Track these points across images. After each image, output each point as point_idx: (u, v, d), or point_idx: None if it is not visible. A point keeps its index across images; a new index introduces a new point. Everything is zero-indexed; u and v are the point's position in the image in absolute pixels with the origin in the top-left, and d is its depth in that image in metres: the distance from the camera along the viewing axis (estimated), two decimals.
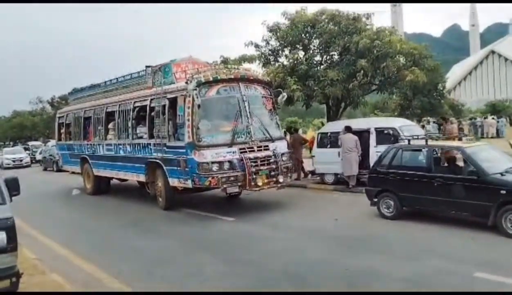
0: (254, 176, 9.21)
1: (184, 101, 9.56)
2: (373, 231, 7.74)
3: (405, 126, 11.48)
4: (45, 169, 25.79)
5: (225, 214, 9.58)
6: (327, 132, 12.67)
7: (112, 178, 13.67)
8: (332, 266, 5.96)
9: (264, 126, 10.03)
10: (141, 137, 11.43)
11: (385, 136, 11.35)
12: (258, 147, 9.60)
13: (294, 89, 12.17)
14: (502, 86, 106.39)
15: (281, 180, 9.62)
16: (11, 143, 53.32)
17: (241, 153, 9.29)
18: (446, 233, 7.28)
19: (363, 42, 11.83)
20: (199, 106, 9.30)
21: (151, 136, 10.85)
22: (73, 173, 16.09)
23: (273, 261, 6.36)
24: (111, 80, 13.71)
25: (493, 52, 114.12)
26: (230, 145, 9.32)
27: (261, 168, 9.41)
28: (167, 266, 6.40)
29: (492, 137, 27.65)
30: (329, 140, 12.43)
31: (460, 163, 8.34)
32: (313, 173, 13.17)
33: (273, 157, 9.66)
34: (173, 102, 10.06)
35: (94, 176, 13.67)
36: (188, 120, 9.37)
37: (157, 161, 10.40)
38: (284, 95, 10.74)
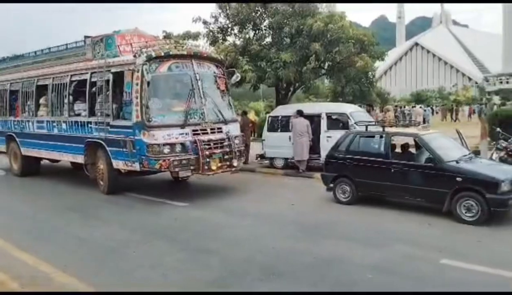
0: (207, 160, 8.76)
1: (132, 76, 8.80)
2: (331, 216, 7.70)
3: (356, 112, 11.63)
4: None
5: (175, 199, 9.07)
6: (278, 116, 12.49)
7: (42, 158, 12.47)
8: (298, 254, 5.76)
9: (218, 107, 9.57)
10: (79, 115, 10.44)
11: (336, 121, 11.41)
12: (211, 129, 9.14)
13: (246, 70, 11.78)
14: (424, 77, 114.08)
15: (235, 163, 9.28)
16: None
17: (194, 134, 8.79)
18: (402, 218, 7.42)
19: (317, 25, 11.70)
20: (148, 83, 8.62)
21: (91, 113, 9.93)
22: None
23: (236, 249, 6.04)
24: (42, 50, 12.31)
25: (416, 44, 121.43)
26: (182, 126, 8.76)
27: (215, 151, 8.97)
28: (120, 256, 5.84)
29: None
30: (280, 124, 12.27)
31: (412, 150, 8.56)
32: (262, 156, 12.96)
33: (226, 139, 9.26)
34: (118, 77, 9.25)
35: (22, 156, 12.36)
36: (137, 97, 8.65)
37: (99, 141, 9.56)
38: (238, 76, 10.32)
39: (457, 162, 7.20)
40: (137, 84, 8.68)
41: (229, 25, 13.71)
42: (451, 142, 8.24)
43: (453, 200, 6.95)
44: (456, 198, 6.93)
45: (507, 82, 53.53)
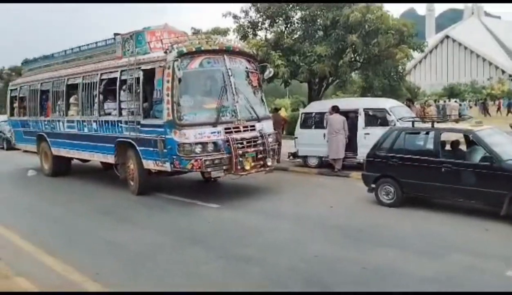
0: (240, 159, 8.36)
1: (163, 73, 8.48)
2: (375, 220, 7.15)
3: (395, 107, 10.98)
4: None
5: (207, 200, 8.71)
6: (312, 112, 11.97)
7: (73, 158, 12.38)
8: (344, 263, 5.29)
9: (250, 104, 9.15)
10: (109, 114, 10.23)
11: (374, 117, 10.81)
12: (244, 127, 8.74)
13: (279, 65, 11.30)
14: (455, 70, 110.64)
15: (269, 163, 8.85)
16: None
17: (226, 133, 8.40)
18: (453, 222, 6.82)
19: (354, 16, 11.08)
20: (180, 80, 8.28)
21: (121, 112, 9.70)
22: (25, 151, 14.58)
23: (275, 256, 5.59)
24: (72, 49, 12.23)
25: (447, 37, 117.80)
26: (214, 124, 8.39)
27: (248, 150, 8.57)
28: (155, 263, 5.48)
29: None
30: (314, 121, 11.76)
31: (463, 147, 7.92)
32: (294, 155, 12.48)
33: (260, 138, 8.84)
34: (149, 74, 8.95)
35: (52, 156, 12.31)
36: (168, 95, 8.33)
37: (129, 140, 9.31)
38: (271, 71, 9.92)
39: None
40: (168, 81, 8.36)
41: (260, 20, 13.26)
42: (507, 139, 7.54)
43: None
44: None
45: None
